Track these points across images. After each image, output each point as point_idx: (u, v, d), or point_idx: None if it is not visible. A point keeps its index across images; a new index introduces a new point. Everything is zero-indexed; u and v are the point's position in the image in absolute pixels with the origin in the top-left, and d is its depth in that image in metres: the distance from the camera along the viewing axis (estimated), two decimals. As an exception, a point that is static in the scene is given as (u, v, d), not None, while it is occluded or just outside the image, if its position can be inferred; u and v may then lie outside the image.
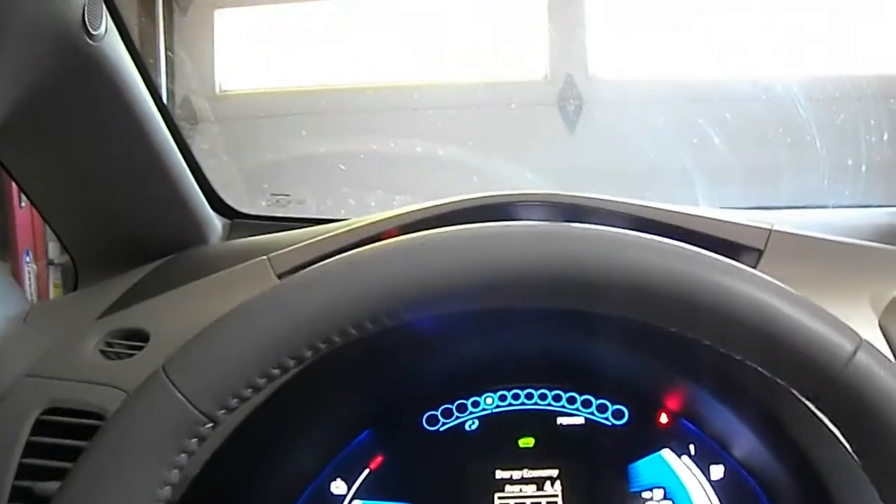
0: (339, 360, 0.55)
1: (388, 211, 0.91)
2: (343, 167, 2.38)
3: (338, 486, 0.84)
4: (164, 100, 0.96)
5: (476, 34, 2.89)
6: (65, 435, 0.74)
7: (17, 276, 2.58)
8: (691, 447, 0.84)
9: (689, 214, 0.87)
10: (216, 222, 1.11)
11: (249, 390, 0.52)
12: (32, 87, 0.76)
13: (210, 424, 0.51)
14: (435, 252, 0.53)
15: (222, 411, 0.51)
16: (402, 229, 0.88)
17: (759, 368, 0.52)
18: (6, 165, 0.89)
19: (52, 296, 2.72)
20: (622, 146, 2.62)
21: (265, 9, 2.98)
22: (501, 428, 0.86)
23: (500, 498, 0.83)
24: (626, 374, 0.85)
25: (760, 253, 0.84)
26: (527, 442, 0.85)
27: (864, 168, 2.04)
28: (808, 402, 0.52)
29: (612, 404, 0.86)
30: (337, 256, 0.54)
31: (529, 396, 0.86)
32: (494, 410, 0.86)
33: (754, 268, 0.81)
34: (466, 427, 0.86)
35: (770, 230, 0.85)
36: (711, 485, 0.83)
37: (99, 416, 0.74)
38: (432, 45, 2.89)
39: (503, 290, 0.53)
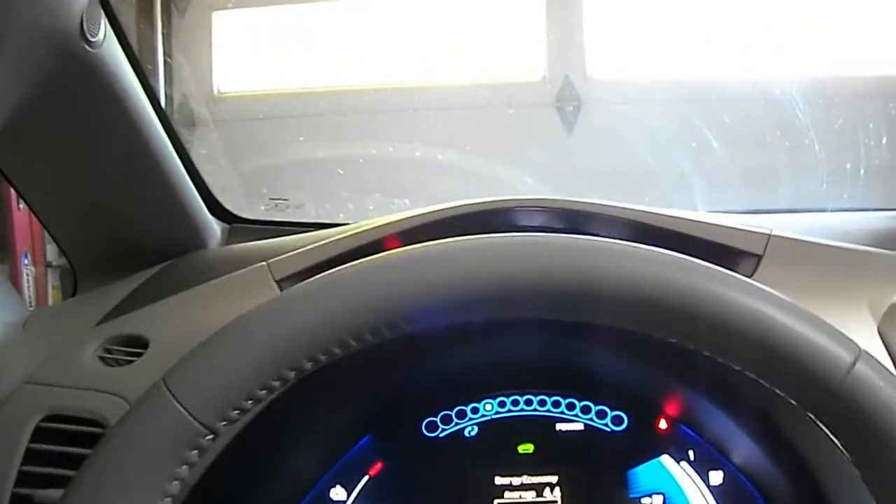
0: (339, 367, 0.55)
1: (388, 216, 0.91)
2: (341, 171, 2.37)
3: (337, 493, 0.84)
4: (163, 104, 0.96)
5: (474, 35, 2.89)
6: (64, 442, 0.74)
7: (15, 279, 2.58)
8: (690, 453, 0.84)
9: (688, 220, 0.87)
10: (215, 227, 1.11)
11: (250, 402, 0.52)
12: (31, 94, 0.76)
13: (211, 436, 0.51)
14: (436, 264, 0.53)
15: (223, 423, 0.51)
16: (402, 235, 0.88)
17: (759, 380, 0.52)
18: (5, 171, 0.89)
19: (50, 298, 2.72)
20: (620, 147, 2.62)
21: (263, 10, 2.97)
22: (501, 434, 0.86)
23: (499, 504, 0.84)
24: (625, 380, 0.85)
25: (759, 258, 0.84)
26: (526, 448, 0.85)
27: (862, 172, 2.04)
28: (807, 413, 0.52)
29: (612, 410, 0.86)
30: (337, 268, 0.54)
31: (529, 402, 0.86)
32: (494, 416, 0.86)
33: (753, 273, 0.82)
34: (466, 433, 0.86)
35: (769, 235, 0.85)
36: (710, 490, 0.83)
37: (98, 424, 0.74)
38: (430, 46, 2.89)
39: (502, 303, 0.53)
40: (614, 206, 0.89)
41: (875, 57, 2.60)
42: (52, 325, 0.88)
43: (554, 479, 0.84)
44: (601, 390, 0.86)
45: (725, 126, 2.44)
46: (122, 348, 0.81)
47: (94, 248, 1.01)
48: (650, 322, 0.52)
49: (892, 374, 0.51)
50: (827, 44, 2.63)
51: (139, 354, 0.80)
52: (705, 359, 0.53)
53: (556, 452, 0.85)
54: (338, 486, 0.84)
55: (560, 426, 0.86)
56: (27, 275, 2.67)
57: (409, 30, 2.89)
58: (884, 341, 0.76)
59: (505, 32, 2.92)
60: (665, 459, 0.84)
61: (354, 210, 2.15)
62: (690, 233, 0.86)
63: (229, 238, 1.14)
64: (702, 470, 0.84)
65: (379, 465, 0.85)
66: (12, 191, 0.94)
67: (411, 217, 0.89)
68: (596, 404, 0.86)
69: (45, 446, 0.74)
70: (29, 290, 2.69)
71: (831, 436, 0.52)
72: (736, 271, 0.80)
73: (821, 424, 0.52)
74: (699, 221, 0.87)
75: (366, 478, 0.84)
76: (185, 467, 0.51)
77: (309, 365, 0.52)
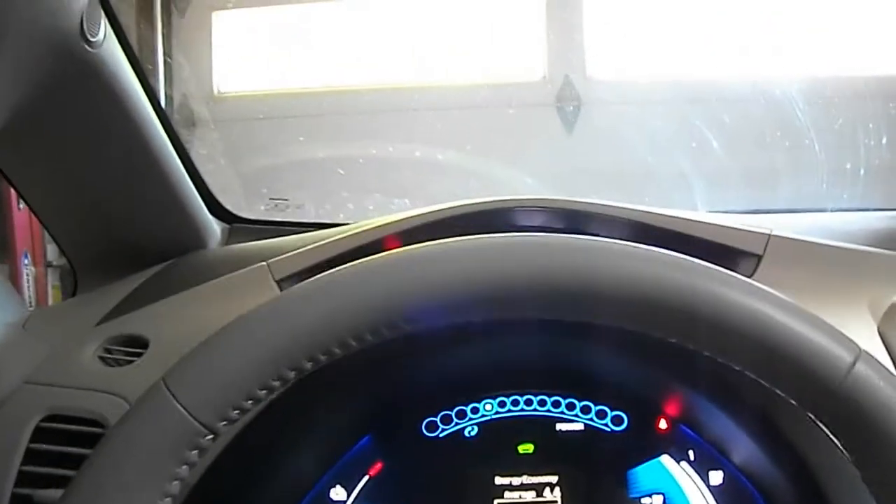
0: (339, 366, 0.55)
1: (388, 216, 0.91)
2: (342, 171, 2.37)
3: (337, 493, 0.84)
4: (163, 104, 0.96)
5: (474, 35, 2.89)
6: (64, 442, 0.74)
7: (15, 278, 2.58)
8: (690, 453, 0.84)
9: (688, 220, 0.87)
10: (215, 227, 1.11)
11: (250, 402, 0.52)
12: (31, 94, 0.76)
13: (211, 436, 0.51)
14: (436, 264, 0.53)
15: (223, 423, 0.51)
16: (402, 235, 0.88)
17: (759, 380, 0.52)
18: (5, 171, 0.89)
19: (50, 298, 2.72)
20: (620, 147, 2.62)
21: (263, 10, 2.97)
22: (501, 434, 0.86)
23: (499, 504, 0.84)
24: (625, 380, 0.85)
25: (759, 258, 0.84)
26: (526, 448, 0.85)
27: (862, 172, 2.04)
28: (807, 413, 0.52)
29: (612, 410, 0.86)
30: (337, 268, 0.54)
31: (529, 402, 0.86)
32: (494, 416, 0.86)
33: (753, 273, 0.82)
34: (466, 433, 0.86)
35: (769, 235, 0.85)
36: (710, 490, 0.83)
37: (98, 424, 0.74)
38: (430, 46, 2.89)
39: (502, 303, 0.53)
40: (614, 206, 0.89)
41: (875, 57, 2.60)
42: (52, 325, 0.88)
43: (554, 479, 0.84)
44: (601, 390, 0.86)
45: (725, 126, 2.44)
46: (122, 348, 0.81)
47: (93, 247, 1.01)
48: (650, 322, 0.52)
49: (892, 374, 0.51)
50: (827, 44, 2.63)
51: (139, 354, 0.79)
52: (705, 359, 0.53)
53: (556, 452, 0.85)
54: (338, 486, 0.84)
55: (560, 426, 0.86)
56: (27, 274, 2.67)
57: (409, 30, 2.89)
58: (884, 341, 0.76)
59: (505, 32, 2.92)
60: (665, 459, 0.84)
61: (354, 210, 2.15)
62: (690, 233, 0.86)
63: (229, 238, 1.14)
64: (702, 470, 0.84)
65: (379, 465, 0.85)
66: (12, 190, 0.94)
67: (411, 217, 0.89)
68: (596, 404, 0.86)
69: (44, 446, 0.74)
70: (29, 290, 2.69)
71: (831, 436, 0.52)
72: (736, 271, 0.80)
73: (821, 424, 0.52)
74: (699, 221, 0.87)
75: (366, 478, 0.84)
76: (185, 467, 0.51)
77: (309, 365, 0.52)
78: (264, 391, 0.52)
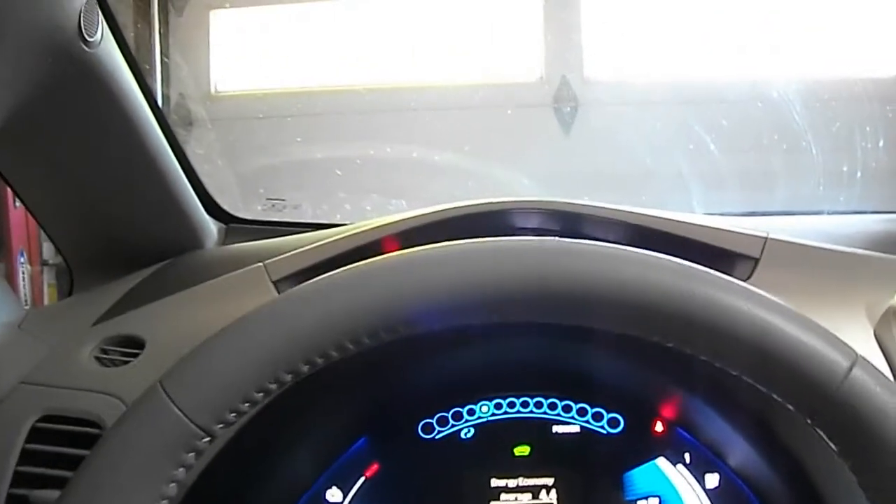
0: (336, 368, 0.55)
1: (385, 217, 0.91)
2: (339, 172, 2.37)
3: (333, 494, 0.84)
4: (160, 104, 0.96)
5: (471, 36, 2.89)
6: (60, 443, 0.74)
7: (11, 277, 2.58)
8: (686, 456, 0.84)
9: (685, 223, 0.87)
10: (212, 227, 1.11)
11: (247, 405, 0.52)
12: (28, 94, 0.75)
13: (207, 439, 0.51)
14: (433, 267, 0.53)
15: (220, 426, 0.51)
16: (399, 236, 0.88)
17: (755, 384, 0.52)
18: (1, 171, 0.88)
19: (46, 297, 2.71)
20: (617, 148, 2.62)
21: (261, 9, 2.97)
22: (497, 436, 0.86)
23: (495, 506, 0.84)
24: (621, 382, 0.85)
25: (756, 261, 0.84)
26: (522, 450, 0.85)
27: (859, 174, 2.04)
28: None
29: (608, 412, 0.86)
30: (335, 271, 0.54)
31: (525, 404, 0.86)
32: (490, 418, 0.86)
33: (750, 276, 0.82)
34: (462, 435, 0.86)
35: (766, 238, 0.85)
36: (707, 493, 0.83)
37: (94, 424, 0.74)
38: (427, 46, 2.89)
39: (501, 306, 0.53)
40: (611, 209, 0.89)
41: (872, 60, 2.60)
42: (48, 325, 0.88)
43: (550, 481, 0.84)
44: (598, 392, 0.86)
45: (722, 127, 2.44)
46: (119, 349, 0.81)
47: (90, 247, 1.01)
48: (647, 327, 0.52)
49: (888, 379, 0.51)
50: (824, 46, 2.63)
51: (135, 355, 0.79)
52: (702, 362, 0.53)
53: (553, 454, 0.85)
54: (334, 488, 0.84)
55: (556, 428, 0.86)
56: (23, 273, 2.66)
57: (406, 30, 2.89)
58: (880, 345, 0.76)
59: (502, 33, 2.92)
60: (661, 462, 0.84)
61: (352, 210, 2.15)
62: (687, 235, 0.86)
63: (226, 238, 1.13)
64: (698, 473, 0.84)
65: (375, 467, 0.85)
66: (8, 189, 0.94)
67: (409, 218, 0.89)
68: (592, 406, 0.86)
69: (40, 447, 0.74)
70: (25, 289, 2.69)
71: (827, 441, 0.52)
72: (733, 274, 0.81)
73: (817, 429, 0.52)
74: (696, 224, 0.87)
75: (362, 479, 0.84)
76: (181, 469, 0.51)
77: (306, 368, 0.52)
78: (261, 394, 0.52)
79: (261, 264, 0.86)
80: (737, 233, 0.86)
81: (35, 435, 0.74)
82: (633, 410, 0.85)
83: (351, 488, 0.84)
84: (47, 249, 2.68)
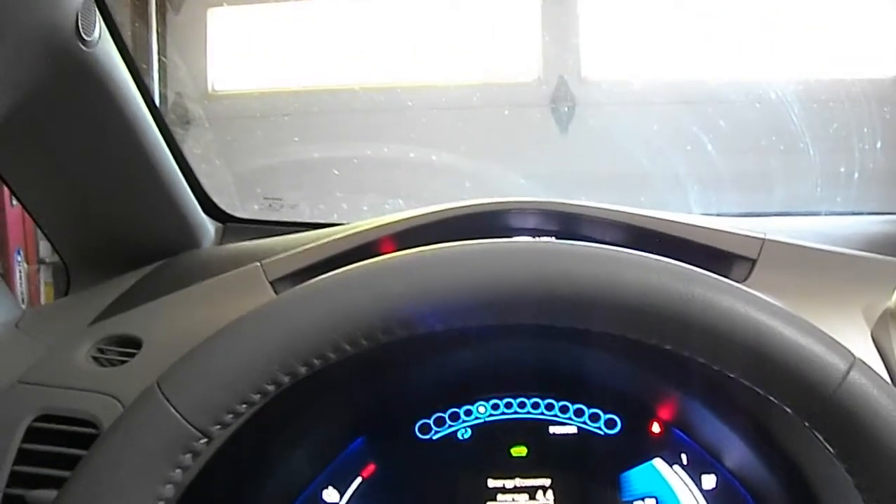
0: (333, 369, 0.55)
1: (382, 217, 0.91)
2: (336, 171, 2.37)
3: (330, 494, 0.84)
4: (157, 103, 0.96)
5: (469, 35, 2.89)
6: (57, 442, 0.74)
7: (8, 275, 2.57)
8: (683, 457, 0.84)
9: (683, 223, 0.87)
10: (209, 226, 1.11)
11: (244, 406, 0.52)
12: (25, 93, 0.75)
13: (205, 440, 0.51)
14: (432, 269, 0.53)
15: (216, 427, 0.51)
16: (396, 236, 0.88)
17: (753, 387, 0.52)
18: (-1, 170, 0.89)
19: (42, 296, 2.71)
20: (615, 149, 2.62)
21: (259, 8, 2.97)
22: (494, 437, 0.86)
23: (492, 507, 0.84)
24: (618, 383, 0.85)
25: (754, 262, 0.84)
26: (519, 451, 0.85)
27: (856, 175, 2.04)
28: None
29: (605, 413, 0.86)
30: (333, 272, 0.54)
31: (522, 405, 0.86)
32: (487, 419, 0.86)
33: (747, 277, 0.82)
34: (459, 436, 0.86)
35: (763, 239, 0.85)
36: (703, 494, 0.83)
37: (91, 424, 0.74)
38: (425, 46, 2.89)
39: (498, 308, 0.53)
40: (608, 210, 0.89)
41: (870, 61, 2.60)
42: (45, 324, 0.88)
43: (547, 481, 0.84)
44: (594, 393, 0.86)
45: (720, 128, 2.44)
46: (116, 348, 0.81)
47: (87, 246, 1.01)
48: (644, 329, 0.52)
49: (886, 382, 0.51)
50: (822, 47, 2.63)
51: (132, 354, 0.79)
52: (699, 364, 0.53)
53: (549, 455, 0.85)
54: (330, 488, 0.84)
55: (553, 429, 0.86)
56: (20, 272, 2.66)
57: (404, 30, 2.89)
58: (877, 347, 0.76)
59: (500, 33, 2.92)
60: (658, 463, 0.84)
61: (349, 210, 2.15)
62: (685, 236, 0.86)
63: (223, 237, 1.13)
64: (695, 474, 0.84)
65: (372, 467, 0.85)
66: (5, 188, 0.94)
67: (406, 219, 0.89)
68: (589, 407, 0.86)
69: (37, 446, 0.74)
70: (21, 287, 2.68)
71: (825, 443, 0.52)
72: (730, 275, 0.81)
73: (814, 432, 0.52)
74: (694, 225, 0.87)
75: (358, 479, 0.84)
76: (178, 471, 0.51)
77: (304, 370, 0.52)
78: (258, 395, 0.52)
79: (258, 264, 0.86)
80: (734, 234, 0.86)
81: (32, 434, 0.74)
82: (630, 411, 0.85)
83: (348, 488, 0.84)
84: (44, 248, 2.68)
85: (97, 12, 0.78)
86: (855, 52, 2.61)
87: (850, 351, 0.51)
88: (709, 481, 0.83)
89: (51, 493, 0.71)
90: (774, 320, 0.51)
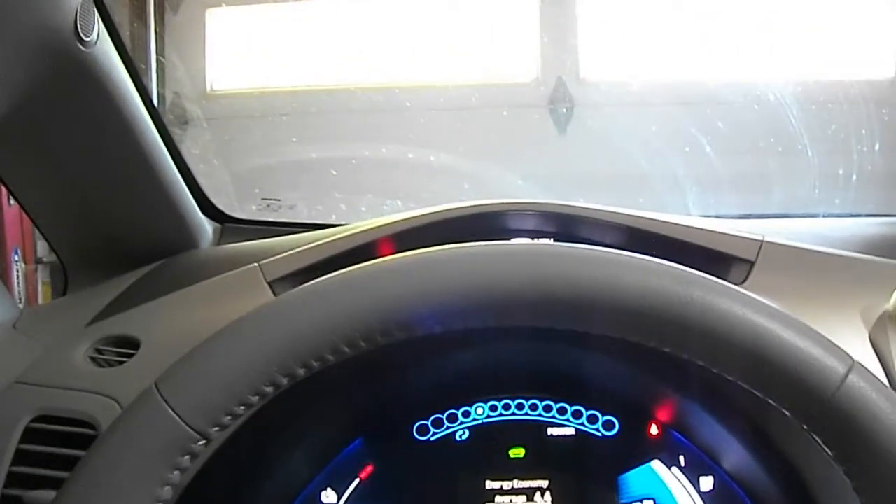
0: (331, 370, 0.55)
1: (380, 218, 0.91)
2: (334, 172, 2.37)
3: (328, 496, 0.84)
4: (156, 103, 0.96)
5: (467, 36, 2.89)
6: (54, 443, 0.74)
7: (5, 275, 2.57)
8: (681, 458, 0.84)
9: (681, 225, 0.88)
10: (207, 227, 1.11)
11: (242, 408, 0.52)
12: (24, 93, 0.75)
13: (203, 442, 0.51)
14: (431, 271, 0.53)
15: (215, 429, 0.51)
16: (395, 237, 0.88)
17: (751, 390, 0.52)
18: (-3, 170, 0.88)
19: (40, 295, 2.71)
20: (613, 150, 2.61)
21: (258, 8, 2.96)
22: (492, 438, 0.86)
23: (490, 508, 0.84)
24: (616, 385, 0.85)
25: (752, 264, 0.84)
26: (517, 452, 0.85)
27: (854, 177, 2.04)
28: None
29: (603, 415, 0.86)
30: (331, 274, 0.54)
31: (520, 407, 0.86)
32: (485, 421, 0.86)
33: (746, 279, 0.82)
34: (457, 437, 0.86)
35: (762, 241, 0.85)
36: (701, 496, 0.83)
37: (89, 425, 0.74)
38: (423, 47, 2.88)
39: (497, 310, 0.53)
40: (607, 211, 0.89)
41: (869, 62, 2.61)
42: (42, 324, 0.88)
43: (545, 483, 0.84)
44: (592, 395, 0.86)
45: (718, 129, 2.44)
46: (114, 349, 0.81)
47: (84, 246, 1.01)
48: (643, 332, 0.52)
49: (884, 385, 0.51)
50: (821, 48, 2.63)
51: (130, 355, 0.79)
52: (697, 366, 0.53)
53: (547, 457, 0.85)
54: (328, 489, 0.84)
55: (551, 430, 0.86)
56: (17, 271, 2.65)
57: (402, 30, 2.89)
58: (875, 349, 0.76)
59: (498, 34, 2.92)
60: (656, 465, 0.84)
61: (347, 211, 2.15)
62: (683, 238, 0.86)
63: (221, 238, 1.13)
64: (692, 475, 0.84)
65: (370, 468, 0.85)
66: (3, 187, 0.94)
67: (404, 220, 0.89)
68: (587, 409, 0.86)
69: (34, 447, 0.74)
70: (19, 287, 2.68)
71: (823, 446, 0.52)
72: (728, 277, 0.81)
73: (813, 435, 0.52)
74: (692, 227, 0.87)
75: (356, 480, 0.84)
76: (176, 473, 0.51)
77: (302, 371, 0.52)
78: (257, 397, 0.52)
79: (256, 265, 0.86)
80: (733, 236, 0.86)
81: (29, 435, 0.74)
82: (628, 413, 0.85)
83: (346, 490, 0.84)
84: (42, 248, 2.67)
85: (96, 13, 0.78)
86: (853, 53, 2.61)
87: (848, 354, 0.51)
88: (706, 483, 0.83)
89: (48, 494, 0.71)
90: (773, 323, 0.51)
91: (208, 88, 2.89)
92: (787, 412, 0.52)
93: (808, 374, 0.50)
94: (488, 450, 0.85)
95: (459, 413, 0.86)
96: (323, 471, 0.84)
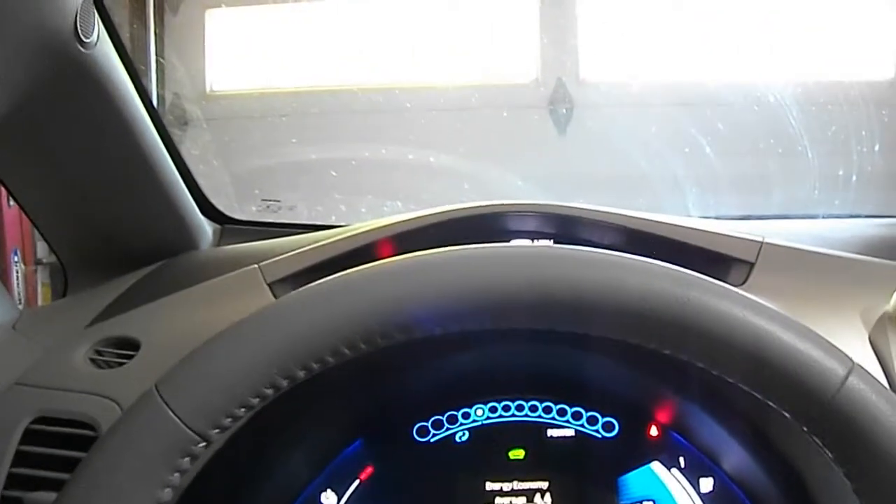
0: (331, 372, 0.55)
1: (380, 219, 0.91)
2: (334, 173, 2.37)
3: (328, 497, 0.84)
4: (155, 104, 0.96)
5: (467, 37, 2.89)
6: (54, 444, 0.74)
7: (5, 276, 2.57)
8: (681, 460, 0.84)
9: (681, 227, 0.88)
10: (207, 228, 1.11)
11: (243, 410, 0.52)
12: (24, 94, 0.75)
13: (203, 444, 0.51)
14: (430, 273, 0.53)
15: (215, 431, 0.51)
16: (394, 239, 0.88)
17: (751, 392, 0.52)
18: (-3, 171, 0.88)
19: (39, 296, 2.70)
20: (613, 151, 2.61)
21: (257, 9, 2.96)
22: (492, 440, 0.86)
23: (489, 509, 0.84)
24: (616, 386, 0.85)
25: (752, 266, 0.84)
26: (517, 454, 0.85)
27: (854, 178, 2.04)
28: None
29: (603, 416, 0.86)
30: (331, 276, 0.54)
31: (520, 408, 0.86)
32: (485, 422, 0.86)
33: (745, 280, 0.82)
34: (457, 438, 0.86)
35: (761, 243, 0.85)
36: (701, 498, 0.83)
37: (89, 427, 0.74)
38: (423, 48, 2.88)
39: (497, 313, 0.53)
40: (606, 212, 0.89)
41: (869, 63, 2.61)
42: (42, 325, 0.88)
43: (544, 484, 0.84)
44: (592, 396, 0.86)
45: (719, 131, 2.44)
46: (114, 350, 0.81)
47: (84, 247, 1.01)
48: (643, 334, 0.52)
49: (884, 387, 0.51)
50: (821, 49, 2.63)
51: (130, 356, 0.79)
52: (697, 367, 0.53)
53: (547, 458, 0.85)
54: (328, 490, 0.84)
55: (551, 432, 0.86)
56: (17, 272, 2.65)
57: (402, 31, 2.89)
58: (875, 350, 0.76)
59: (498, 34, 2.92)
60: (656, 466, 0.84)
61: (347, 212, 2.15)
62: (683, 240, 0.86)
63: (221, 239, 1.13)
64: (692, 477, 0.84)
65: (370, 470, 0.85)
66: (2, 188, 0.94)
67: (404, 221, 0.89)
68: (587, 410, 0.86)
69: (35, 448, 0.74)
70: (18, 288, 2.68)
71: (823, 448, 0.52)
72: (728, 278, 0.81)
73: (813, 436, 0.52)
74: (692, 228, 0.87)
75: (356, 482, 0.84)
76: (176, 474, 0.51)
77: (302, 373, 0.52)
78: (257, 399, 0.52)
79: (256, 266, 0.86)
80: (732, 237, 0.86)
81: (29, 436, 0.74)
82: (627, 414, 0.85)
83: (345, 491, 0.84)
84: (41, 249, 2.67)
85: (96, 14, 0.78)
86: (853, 54, 2.61)
87: (848, 356, 0.51)
88: (706, 485, 0.83)
89: (49, 496, 0.71)
90: (773, 325, 0.51)
91: (208, 89, 2.89)
92: (787, 414, 0.52)
93: (808, 376, 0.50)
94: (488, 451, 0.85)
95: (459, 414, 0.86)
96: (323, 472, 0.84)
